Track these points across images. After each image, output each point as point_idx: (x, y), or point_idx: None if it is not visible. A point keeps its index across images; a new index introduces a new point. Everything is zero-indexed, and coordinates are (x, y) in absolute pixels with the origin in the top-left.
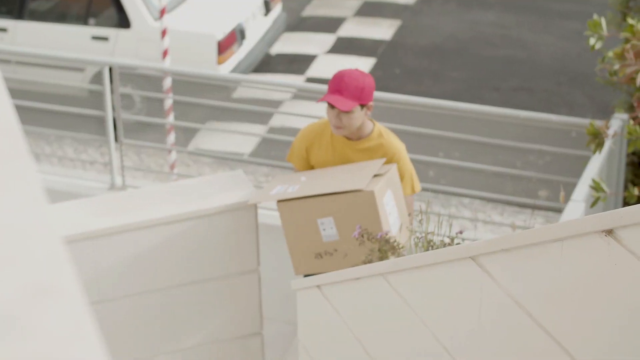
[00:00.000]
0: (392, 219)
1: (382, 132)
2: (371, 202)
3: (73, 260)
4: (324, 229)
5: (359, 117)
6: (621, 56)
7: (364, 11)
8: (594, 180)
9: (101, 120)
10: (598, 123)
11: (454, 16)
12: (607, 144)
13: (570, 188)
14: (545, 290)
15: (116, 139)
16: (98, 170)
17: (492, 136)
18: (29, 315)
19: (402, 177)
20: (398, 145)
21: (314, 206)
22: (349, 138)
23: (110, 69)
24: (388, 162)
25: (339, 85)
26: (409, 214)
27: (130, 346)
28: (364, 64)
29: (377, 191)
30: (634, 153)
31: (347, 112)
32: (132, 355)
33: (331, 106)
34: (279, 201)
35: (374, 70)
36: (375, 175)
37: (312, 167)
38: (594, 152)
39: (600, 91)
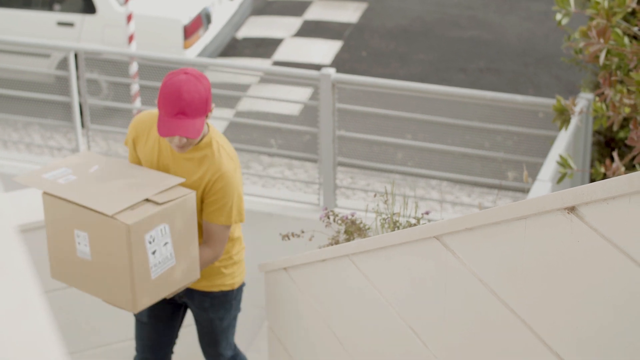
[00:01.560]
0: (159, 258)
1: (215, 143)
2: (122, 236)
3: (29, 248)
4: (79, 242)
5: (202, 128)
6: (586, 34)
7: None
8: (561, 156)
9: (68, 106)
10: (565, 100)
11: None
12: (574, 121)
13: (537, 168)
14: (509, 268)
15: (83, 125)
16: (65, 156)
17: (459, 117)
18: None
19: (218, 206)
20: (226, 167)
21: (74, 213)
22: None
23: (76, 55)
24: (208, 184)
25: (178, 104)
26: (211, 246)
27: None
28: (331, 47)
29: (135, 225)
30: (599, 132)
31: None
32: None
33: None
34: (45, 193)
35: (340, 53)
36: (153, 200)
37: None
38: (560, 128)
39: (567, 72)
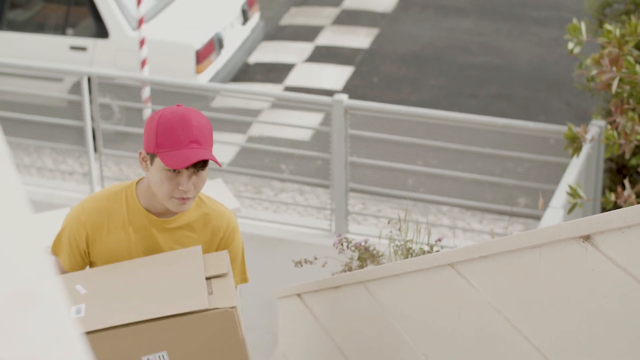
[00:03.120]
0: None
1: (203, 198)
2: (230, 323)
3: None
4: None
5: (207, 176)
6: (598, 62)
7: (342, 19)
8: (570, 187)
9: (80, 131)
10: (576, 128)
11: (432, 24)
12: (585, 148)
13: (549, 195)
14: (523, 297)
15: (95, 149)
16: (77, 181)
17: (470, 143)
18: (14, 321)
19: (239, 263)
20: (230, 215)
21: (138, 336)
22: (154, 212)
23: (89, 79)
24: (220, 241)
25: (190, 132)
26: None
27: None
28: (342, 72)
29: (239, 306)
30: (611, 159)
31: (202, 171)
32: None
33: (175, 170)
34: (87, 334)
35: (352, 79)
36: (212, 277)
37: (87, 265)
38: (572, 156)
39: (578, 97)
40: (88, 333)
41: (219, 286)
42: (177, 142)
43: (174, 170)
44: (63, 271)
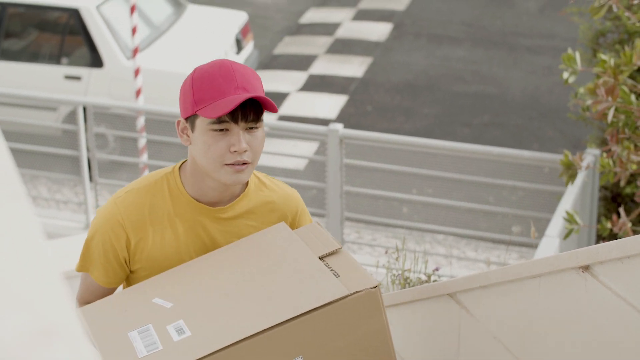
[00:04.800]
0: None
1: (261, 178)
2: (374, 306)
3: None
4: None
5: (264, 138)
6: (593, 92)
7: (336, 49)
8: (567, 213)
9: (75, 160)
10: (572, 155)
11: (425, 52)
12: (580, 177)
13: (543, 223)
14: (523, 326)
15: (90, 179)
16: (72, 210)
17: (464, 172)
18: (33, 358)
19: None
20: (297, 196)
21: (263, 349)
22: (205, 202)
23: (84, 109)
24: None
25: (235, 79)
26: None
27: None
28: (336, 101)
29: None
30: (605, 188)
31: (256, 127)
32: None
33: (221, 129)
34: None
35: (346, 108)
36: (325, 256)
37: (130, 277)
38: (567, 183)
39: (571, 126)
40: (209, 355)
41: (340, 265)
42: (220, 91)
43: (222, 130)
44: (97, 289)
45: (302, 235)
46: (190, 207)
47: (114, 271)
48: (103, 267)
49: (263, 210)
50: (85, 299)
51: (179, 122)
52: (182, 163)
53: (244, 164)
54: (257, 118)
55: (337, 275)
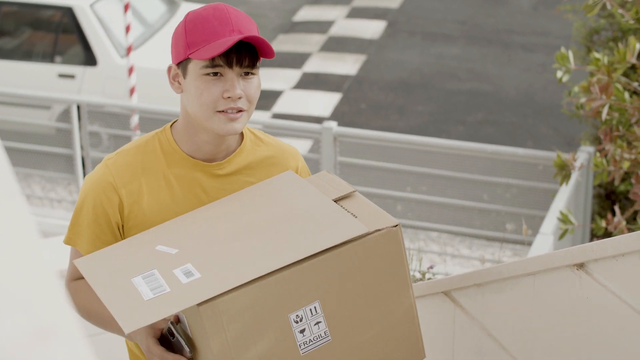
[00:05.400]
0: None
1: (257, 133)
2: (395, 247)
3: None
4: (301, 330)
5: (260, 87)
6: (587, 90)
7: (329, 46)
8: (561, 213)
9: (69, 158)
10: (565, 155)
11: (419, 50)
12: (574, 176)
13: (537, 220)
14: (518, 324)
15: (84, 177)
16: (66, 209)
17: (459, 170)
18: (31, 358)
19: None
20: (297, 152)
21: (277, 291)
22: (200, 158)
23: (78, 107)
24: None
25: (229, 20)
26: None
27: None
28: (330, 99)
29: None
30: (600, 185)
31: (252, 74)
32: None
33: (215, 73)
34: (201, 304)
35: (340, 105)
36: (339, 199)
37: (120, 238)
38: (561, 183)
39: (565, 123)
40: (217, 297)
41: (357, 207)
42: (214, 32)
43: (216, 74)
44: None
45: (312, 181)
46: (185, 164)
47: (106, 239)
48: (95, 235)
49: (262, 165)
50: (75, 276)
51: (170, 68)
52: (174, 122)
53: (238, 111)
54: (253, 64)
55: (354, 216)
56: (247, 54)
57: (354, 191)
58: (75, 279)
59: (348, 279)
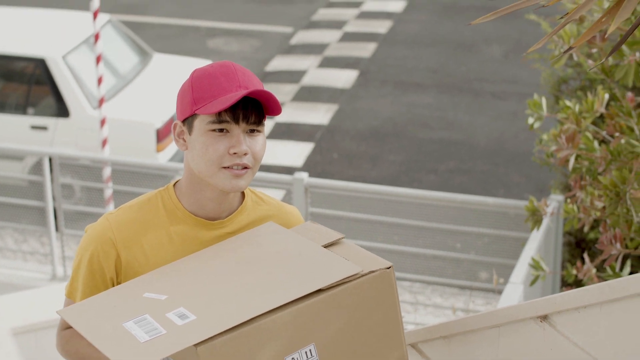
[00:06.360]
0: None
1: (257, 193)
2: (388, 289)
3: (18, 353)
4: None
5: (265, 146)
6: (556, 139)
7: (302, 96)
8: (533, 259)
9: (41, 210)
10: (537, 201)
11: (391, 99)
12: (545, 222)
13: (509, 269)
14: None
15: (57, 229)
16: (39, 261)
17: (430, 219)
18: None
19: None
20: (296, 211)
21: (274, 333)
22: (203, 216)
23: (50, 159)
24: None
25: (236, 77)
26: None
27: None
28: (302, 149)
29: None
30: (570, 233)
31: (258, 131)
32: None
33: (222, 129)
34: (199, 345)
35: (312, 155)
36: (329, 245)
37: None
38: (532, 229)
39: (537, 171)
40: (215, 337)
41: (348, 252)
42: (220, 88)
43: (222, 131)
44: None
45: (298, 231)
46: (187, 222)
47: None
48: (87, 292)
49: (257, 223)
50: (66, 325)
51: (175, 125)
52: (177, 181)
53: (244, 168)
54: (259, 120)
55: (346, 259)
56: (253, 110)
57: (342, 237)
58: (65, 328)
59: (343, 322)
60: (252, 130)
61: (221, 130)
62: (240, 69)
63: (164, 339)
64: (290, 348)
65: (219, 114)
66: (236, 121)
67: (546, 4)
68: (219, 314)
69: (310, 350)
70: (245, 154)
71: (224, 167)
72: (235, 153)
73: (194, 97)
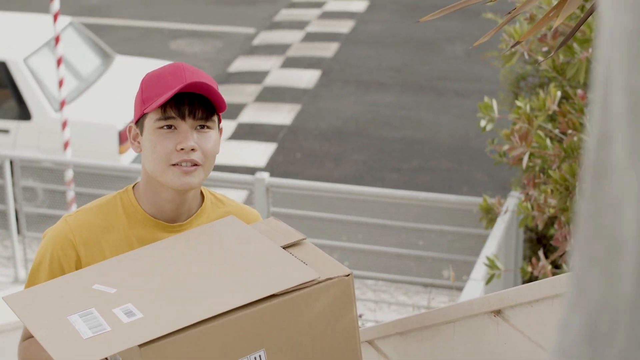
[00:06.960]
0: None
1: (216, 195)
2: (346, 297)
3: None
4: None
5: (218, 143)
6: (509, 138)
7: (264, 97)
8: (488, 258)
9: (3, 214)
10: (491, 199)
11: (353, 99)
12: (501, 220)
13: (471, 265)
14: None
15: (19, 232)
16: (1, 264)
17: (394, 217)
18: None
19: None
20: (256, 212)
21: (222, 337)
22: (162, 218)
23: (11, 162)
24: None
25: (181, 75)
26: None
27: None
28: (265, 149)
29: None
30: (531, 230)
31: (207, 127)
32: None
33: (169, 126)
34: (143, 346)
35: (275, 155)
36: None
37: None
38: (487, 227)
39: (500, 169)
40: (160, 339)
41: (307, 255)
42: (167, 86)
43: (170, 127)
44: None
45: (258, 228)
46: (146, 224)
47: None
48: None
49: None
50: (27, 336)
51: (129, 128)
52: (136, 183)
53: (193, 165)
54: (207, 116)
55: (304, 263)
56: (200, 106)
57: (303, 238)
58: (26, 339)
59: (295, 328)
60: (202, 127)
61: (169, 127)
62: (190, 68)
63: (107, 337)
64: (239, 353)
65: (164, 110)
66: (182, 117)
67: (491, 2)
68: (167, 314)
69: (260, 356)
70: (193, 150)
71: (173, 165)
72: (182, 149)
73: (143, 97)
